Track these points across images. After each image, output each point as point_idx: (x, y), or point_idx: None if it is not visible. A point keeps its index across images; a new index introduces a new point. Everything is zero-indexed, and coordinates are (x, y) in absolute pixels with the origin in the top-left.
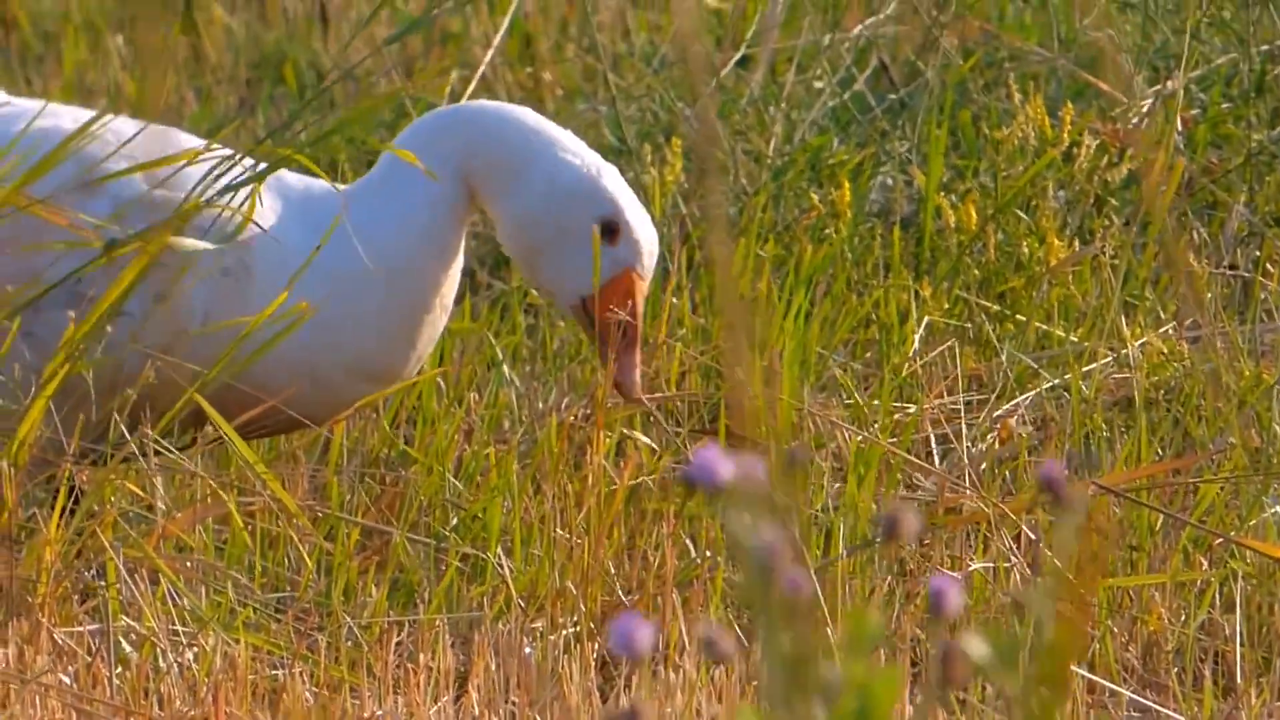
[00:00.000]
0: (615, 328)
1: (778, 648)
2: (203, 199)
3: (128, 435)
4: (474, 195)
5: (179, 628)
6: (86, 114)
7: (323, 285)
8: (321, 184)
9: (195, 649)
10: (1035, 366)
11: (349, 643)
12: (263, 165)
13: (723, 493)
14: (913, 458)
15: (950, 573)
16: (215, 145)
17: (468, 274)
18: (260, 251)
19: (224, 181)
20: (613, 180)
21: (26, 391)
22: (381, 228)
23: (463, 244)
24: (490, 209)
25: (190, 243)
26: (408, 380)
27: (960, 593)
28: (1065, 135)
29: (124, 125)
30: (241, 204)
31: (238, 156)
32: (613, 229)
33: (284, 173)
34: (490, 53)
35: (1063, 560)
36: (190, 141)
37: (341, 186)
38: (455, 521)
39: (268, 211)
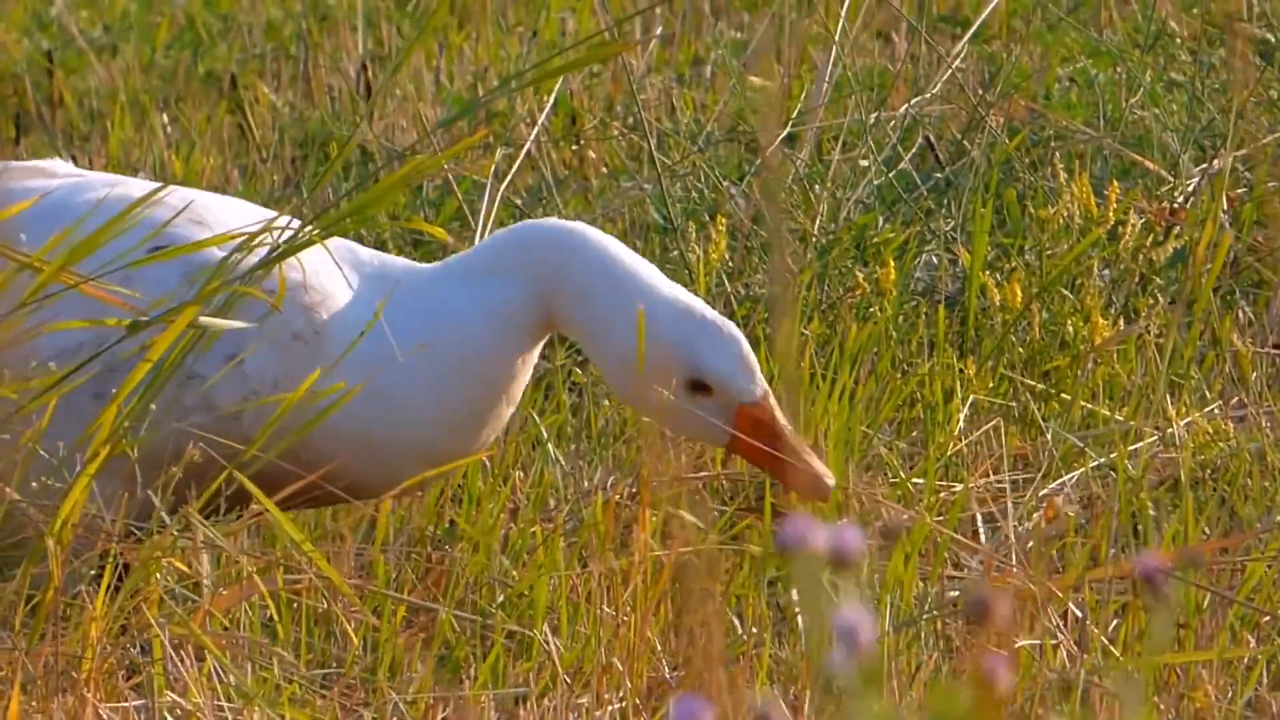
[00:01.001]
0: (766, 456)
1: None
2: (244, 271)
3: (166, 517)
4: (552, 314)
5: (224, 704)
6: (153, 184)
7: (392, 361)
8: (401, 262)
9: None
10: (1081, 445)
11: (395, 718)
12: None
13: (819, 560)
14: (959, 536)
15: (997, 650)
16: (284, 217)
17: None
18: (331, 319)
19: (271, 253)
20: (678, 334)
21: (72, 468)
22: (459, 313)
23: (536, 350)
24: (580, 343)
25: (215, 321)
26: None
27: (1010, 670)
28: (1110, 214)
29: (193, 195)
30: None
31: (296, 227)
32: (701, 386)
33: (359, 248)
34: (535, 130)
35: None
36: (261, 213)
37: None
38: (501, 599)
39: (341, 281)
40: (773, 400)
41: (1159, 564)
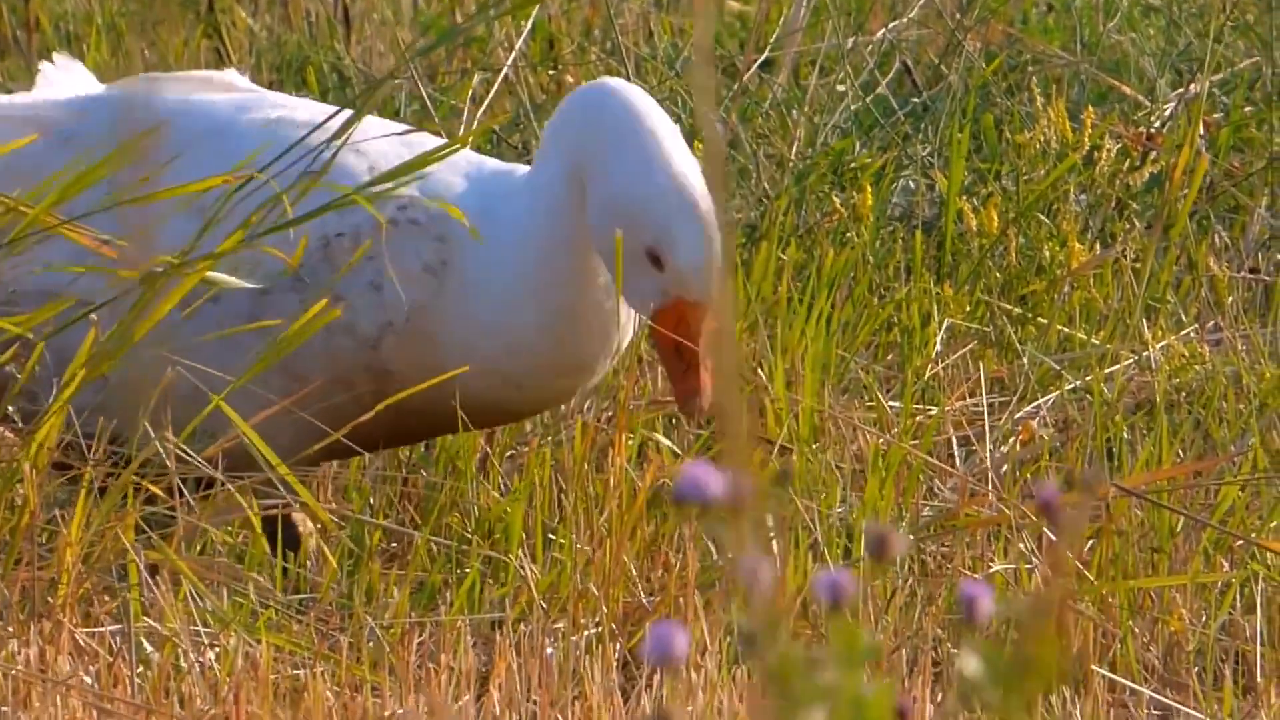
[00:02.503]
0: (672, 352)
1: (766, 661)
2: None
3: (152, 433)
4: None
5: (200, 628)
6: (323, 109)
7: (504, 282)
8: (492, 166)
9: (217, 649)
10: (1057, 369)
11: (371, 643)
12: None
13: (712, 509)
14: (934, 460)
15: (971, 574)
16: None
17: None
18: (460, 248)
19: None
20: (659, 202)
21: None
22: (520, 207)
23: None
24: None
25: (223, 278)
26: (598, 373)
27: (991, 598)
28: (1087, 139)
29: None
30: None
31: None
32: (655, 259)
33: (460, 158)
34: (513, 55)
35: (1058, 574)
36: (430, 142)
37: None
38: (477, 524)
39: (462, 207)
40: (709, 313)
41: (1055, 494)
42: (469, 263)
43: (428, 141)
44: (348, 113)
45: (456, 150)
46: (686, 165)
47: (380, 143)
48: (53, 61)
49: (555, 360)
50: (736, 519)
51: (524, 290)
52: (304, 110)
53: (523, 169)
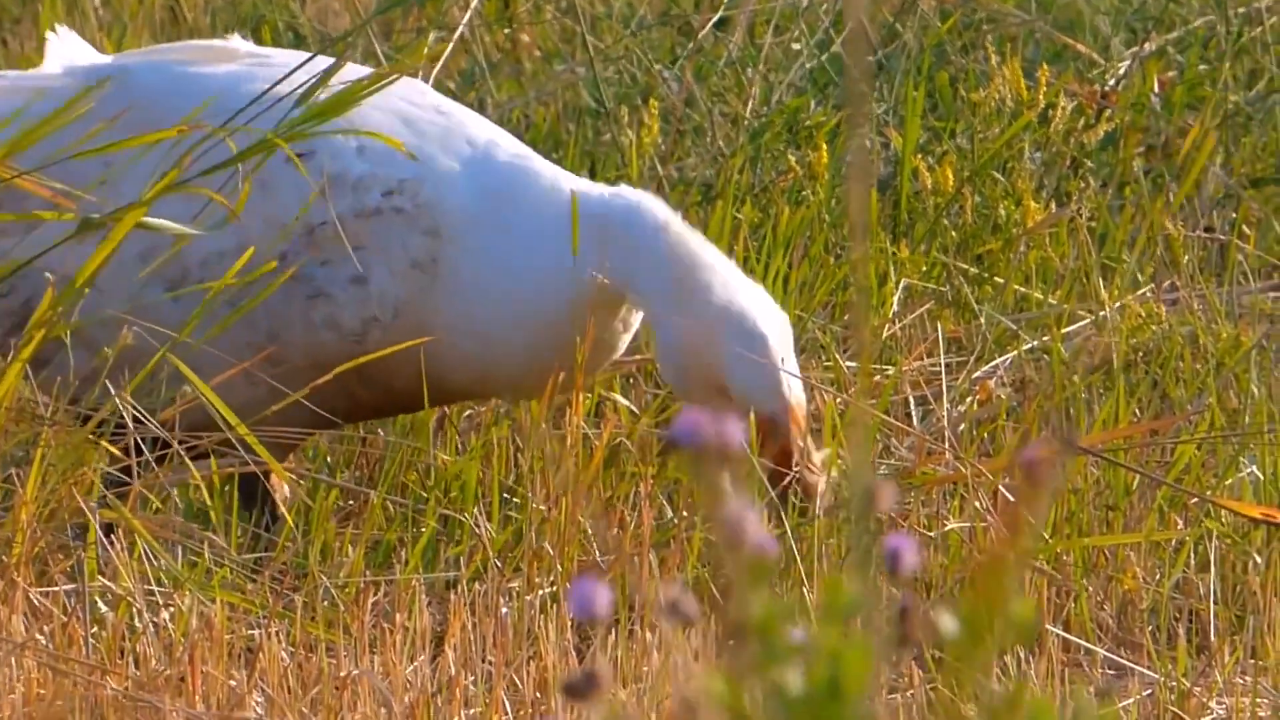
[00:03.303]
0: (772, 469)
1: (746, 613)
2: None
3: (112, 389)
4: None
5: (155, 588)
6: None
7: (496, 296)
8: (509, 158)
9: (171, 609)
10: (1014, 328)
11: (326, 602)
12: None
13: (705, 455)
14: (891, 419)
15: (927, 533)
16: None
17: None
18: (449, 247)
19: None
20: (723, 341)
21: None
22: (532, 265)
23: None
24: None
25: (161, 223)
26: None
27: (917, 551)
28: (1042, 97)
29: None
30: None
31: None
32: (724, 390)
33: (472, 133)
34: (468, 14)
35: (1030, 525)
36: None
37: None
38: (433, 483)
39: (458, 199)
40: (795, 415)
41: (1040, 454)
42: (466, 262)
43: (423, 121)
44: (362, 71)
45: (390, 83)
46: (727, 284)
47: (375, 115)
48: (56, 34)
49: (547, 371)
50: (726, 466)
51: (527, 310)
52: (318, 65)
53: (542, 172)
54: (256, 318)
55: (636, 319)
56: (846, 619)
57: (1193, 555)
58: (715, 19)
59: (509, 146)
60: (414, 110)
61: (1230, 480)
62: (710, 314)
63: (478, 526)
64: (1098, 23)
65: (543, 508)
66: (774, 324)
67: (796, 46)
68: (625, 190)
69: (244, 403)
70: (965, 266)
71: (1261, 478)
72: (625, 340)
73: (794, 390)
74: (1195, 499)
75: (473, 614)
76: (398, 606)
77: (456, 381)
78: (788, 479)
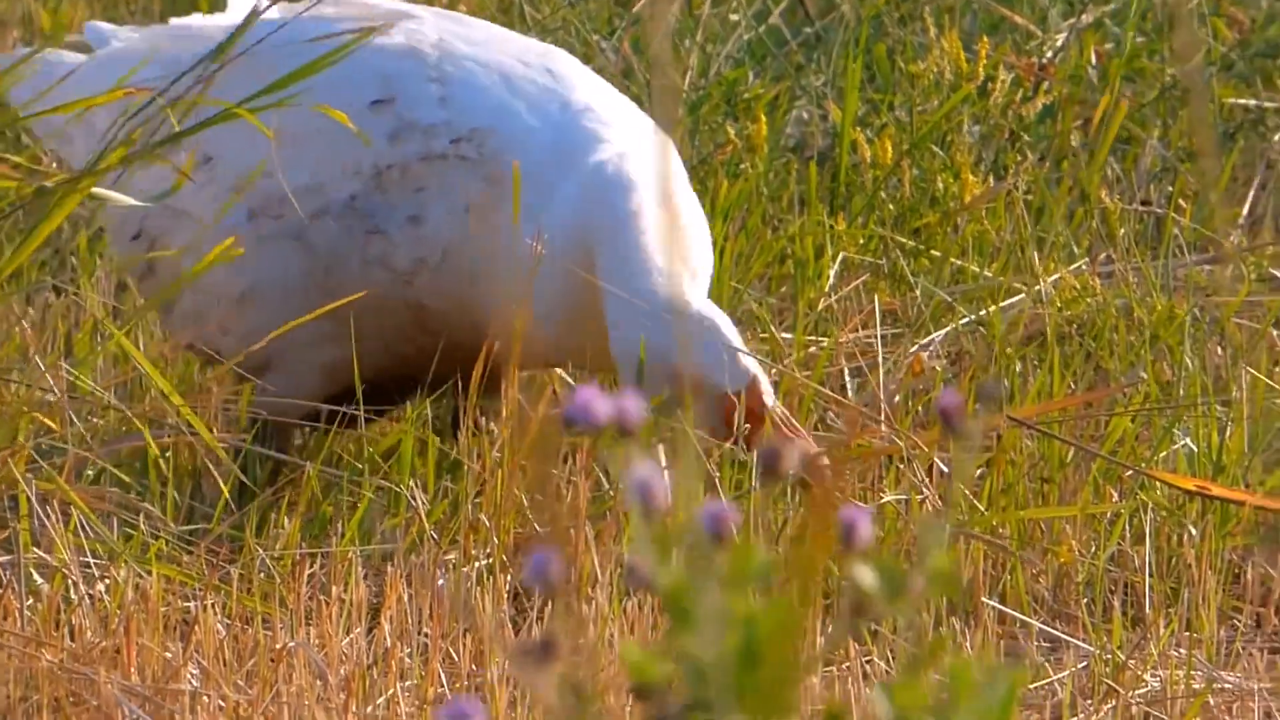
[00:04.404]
0: (753, 435)
1: (661, 583)
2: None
3: (41, 365)
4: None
5: (90, 560)
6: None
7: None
8: (594, 126)
9: (107, 581)
10: (950, 301)
11: (262, 575)
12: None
13: (601, 431)
14: (827, 390)
15: (861, 504)
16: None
17: None
18: (509, 188)
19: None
20: (665, 334)
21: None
22: (557, 224)
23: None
24: None
25: (109, 194)
26: None
27: (871, 524)
28: (980, 69)
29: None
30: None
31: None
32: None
33: (575, 92)
34: None
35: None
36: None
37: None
38: (369, 454)
39: (536, 150)
40: (759, 384)
41: (958, 402)
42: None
43: (523, 80)
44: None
45: (360, 39)
46: (656, 266)
47: (472, 67)
48: None
49: (588, 340)
50: (627, 442)
51: (553, 270)
52: (404, 33)
53: (615, 132)
54: (317, 249)
55: None
56: (756, 585)
57: (1128, 528)
58: None
59: (602, 114)
60: (518, 68)
61: (1165, 453)
62: (645, 309)
63: (414, 499)
64: None
65: (479, 477)
66: (715, 309)
67: (734, 18)
68: (628, 155)
69: (309, 340)
70: (903, 240)
71: (1196, 450)
72: None
73: (750, 365)
74: (1130, 472)
75: (409, 586)
76: (334, 579)
77: (500, 335)
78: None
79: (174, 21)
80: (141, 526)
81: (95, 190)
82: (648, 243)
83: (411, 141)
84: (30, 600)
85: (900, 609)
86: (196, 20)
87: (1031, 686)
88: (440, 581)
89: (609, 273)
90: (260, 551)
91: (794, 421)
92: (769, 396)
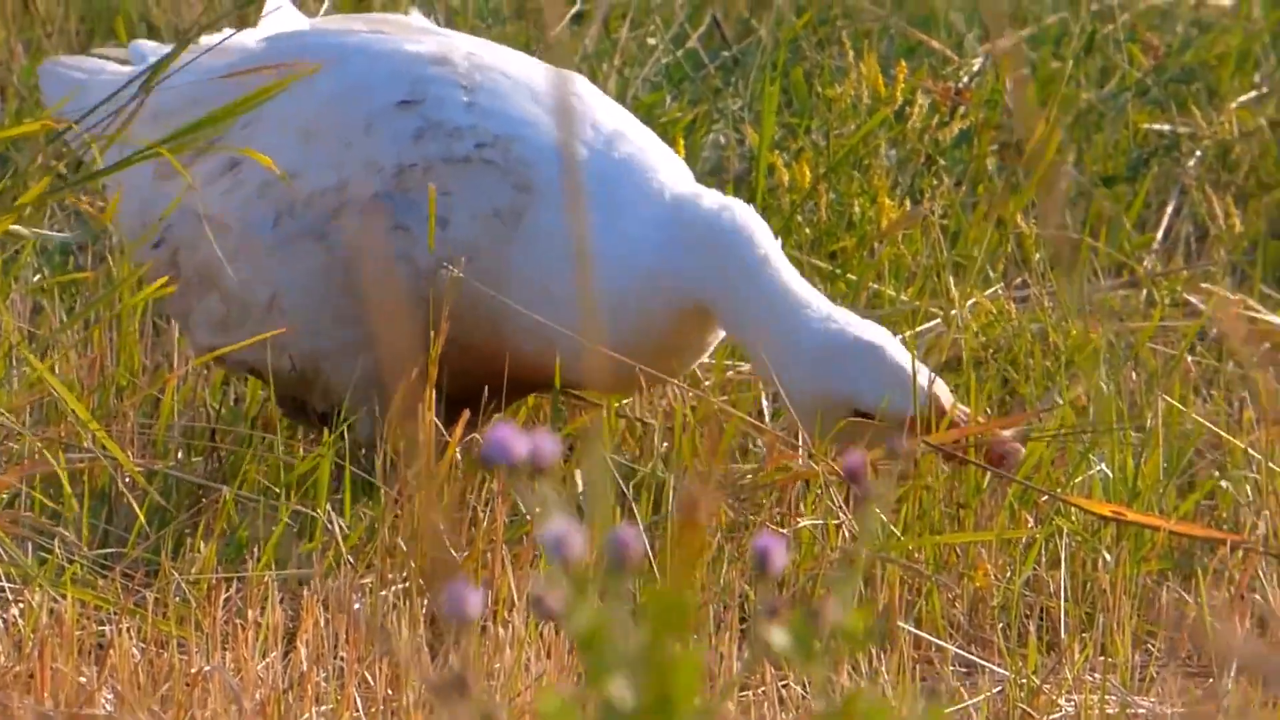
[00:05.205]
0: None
1: (578, 625)
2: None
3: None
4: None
5: (4, 584)
6: (464, 40)
7: (571, 267)
8: (633, 150)
9: (21, 605)
10: None
11: (177, 598)
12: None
13: (518, 470)
14: (744, 416)
15: (779, 529)
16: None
17: None
18: (540, 197)
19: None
20: (835, 367)
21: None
22: (622, 255)
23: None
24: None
25: (24, 230)
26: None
27: (785, 550)
28: (897, 93)
29: (480, 55)
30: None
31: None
32: (867, 415)
33: (598, 111)
34: (324, 8)
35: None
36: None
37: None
38: (286, 478)
39: (557, 162)
40: (938, 392)
41: (862, 463)
42: (551, 223)
43: (582, 82)
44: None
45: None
46: (818, 300)
47: (505, 84)
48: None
49: (608, 362)
50: (541, 480)
51: (606, 301)
52: (434, 43)
53: (659, 169)
54: (335, 246)
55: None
56: (673, 628)
57: (1043, 553)
58: (571, 13)
59: (636, 139)
60: (545, 87)
61: (1080, 478)
62: (813, 341)
63: (330, 523)
64: (952, 19)
65: (396, 502)
66: (878, 331)
67: (652, 41)
68: (735, 205)
69: (336, 345)
70: (819, 263)
71: (1111, 475)
72: (710, 344)
73: (929, 385)
74: (1045, 497)
75: (325, 610)
76: (250, 603)
77: (523, 350)
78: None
79: (206, 40)
80: (56, 550)
81: (14, 229)
82: (788, 283)
83: (435, 141)
84: None
85: (812, 668)
86: (219, 38)
87: (947, 711)
88: (357, 606)
89: (745, 322)
90: (176, 575)
91: (970, 413)
92: (947, 397)
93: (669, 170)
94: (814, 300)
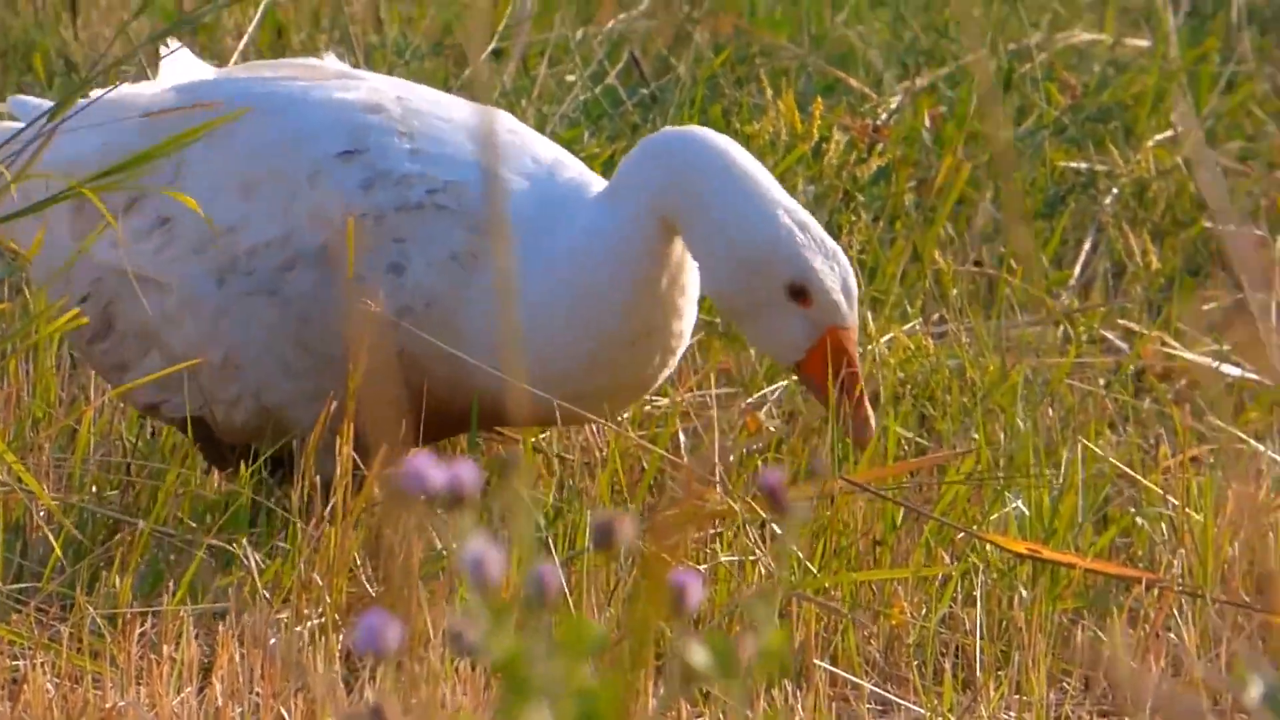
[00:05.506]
0: (837, 388)
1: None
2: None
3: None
4: (672, 228)
5: None
6: (411, 88)
7: (539, 292)
8: (569, 175)
9: None
10: None
11: (92, 633)
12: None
13: (434, 501)
14: (661, 451)
15: (695, 566)
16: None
17: None
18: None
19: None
20: (790, 238)
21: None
22: (581, 237)
23: (683, 267)
24: (690, 252)
25: None
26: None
27: (703, 586)
28: (815, 130)
29: (411, 100)
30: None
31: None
32: (801, 293)
33: (536, 144)
34: (243, 43)
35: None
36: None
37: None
38: (202, 512)
39: (511, 200)
40: (854, 331)
41: (780, 480)
42: (510, 259)
43: (511, 119)
44: (413, 98)
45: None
46: (792, 200)
47: (443, 126)
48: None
49: (587, 381)
50: (459, 511)
51: (573, 308)
52: (365, 90)
53: (595, 185)
54: (289, 302)
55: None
56: (589, 656)
57: (959, 590)
58: (490, 50)
59: (574, 166)
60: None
61: (996, 515)
62: (786, 220)
63: (246, 557)
64: (870, 57)
65: (312, 536)
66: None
67: (570, 78)
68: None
69: (286, 400)
70: None
71: (1027, 513)
72: (661, 377)
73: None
74: (962, 534)
75: (241, 645)
76: (165, 638)
77: (485, 387)
78: (845, 401)
79: (107, 95)
80: None
81: None
82: (758, 179)
83: (385, 190)
84: None
85: (731, 687)
86: (125, 90)
87: None
88: (272, 641)
89: (712, 195)
90: (91, 610)
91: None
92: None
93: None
94: (778, 189)
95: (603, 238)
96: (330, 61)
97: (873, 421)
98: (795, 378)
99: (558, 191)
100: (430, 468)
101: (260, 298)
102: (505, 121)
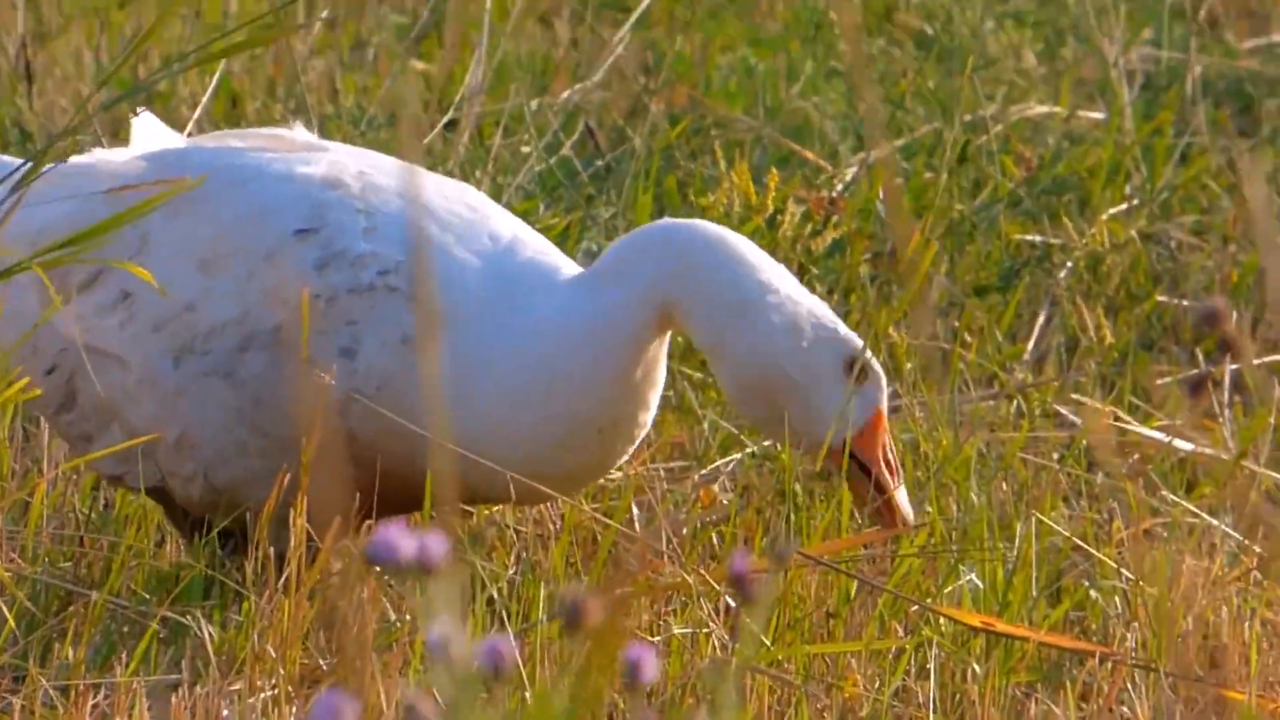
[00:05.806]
0: (869, 475)
1: None
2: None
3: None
4: (670, 319)
5: None
6: (374, 159)
7: (499, 374)
8: (532, 261)
9: None
10: (737, 433)
11: (45, 705)
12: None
13: (404, 571)
14: (615, 524)
15: (650, 638)
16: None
17: None
18: (452, 325)
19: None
20: (830, 318)
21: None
22: (563, 324)
23: (657, 360)
24: (697, 340)
25: None
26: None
27: (656, 660)
28: (770, 202)
29: (369, 174)
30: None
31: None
32: (860, 368)
33: (494, 221)
34: (197, 112)
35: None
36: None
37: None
38: (156, 584)
39: (462, 281)
40: (882, 418)
41: (749, 566)
42: (464, 344)
43: (447, 214)
44: (377, 172)
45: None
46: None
47: (397, 203)
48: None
49: (551, 464)
50: (427, 581)
51: (550, 390)
52: (325, 163)
53: (563, 268)
54: (244, 383)
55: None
56: None
57: (913, 663)
58: (444, 120)
59: (533, 244)
60: (442, 203)
61: (950, 589)
62: (812, 301)
63: (199, 629)
64: (825, 129)
65: (265, 608)
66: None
67: (526, 149)
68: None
69: (240, 478)
70: (690, 371)
71: (981, 586)
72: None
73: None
74: (916, 607)
75: (194, 717)
76: (118, 709)
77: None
78: (884, 492)
79: (79, 161)
80: None
81: None
82: (758, 265)
83: (339, 271)
84: None
85: None
86: (98, 155)
87: None
88: (225, 713)
89: (715, 308)
90: (43, 681)
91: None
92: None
93: (571, 270)
94: (777, 278)
95: (584, 321)
96: (299, 132)
97: (911, 515)
98: (803, 453)
99: (515, 270)
100: (400, 538)
101: (216, 379)
102: (467, 197)
